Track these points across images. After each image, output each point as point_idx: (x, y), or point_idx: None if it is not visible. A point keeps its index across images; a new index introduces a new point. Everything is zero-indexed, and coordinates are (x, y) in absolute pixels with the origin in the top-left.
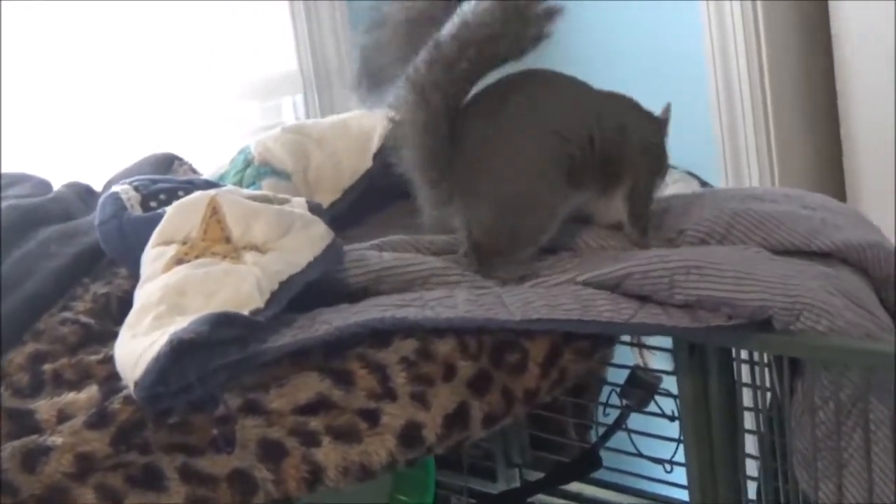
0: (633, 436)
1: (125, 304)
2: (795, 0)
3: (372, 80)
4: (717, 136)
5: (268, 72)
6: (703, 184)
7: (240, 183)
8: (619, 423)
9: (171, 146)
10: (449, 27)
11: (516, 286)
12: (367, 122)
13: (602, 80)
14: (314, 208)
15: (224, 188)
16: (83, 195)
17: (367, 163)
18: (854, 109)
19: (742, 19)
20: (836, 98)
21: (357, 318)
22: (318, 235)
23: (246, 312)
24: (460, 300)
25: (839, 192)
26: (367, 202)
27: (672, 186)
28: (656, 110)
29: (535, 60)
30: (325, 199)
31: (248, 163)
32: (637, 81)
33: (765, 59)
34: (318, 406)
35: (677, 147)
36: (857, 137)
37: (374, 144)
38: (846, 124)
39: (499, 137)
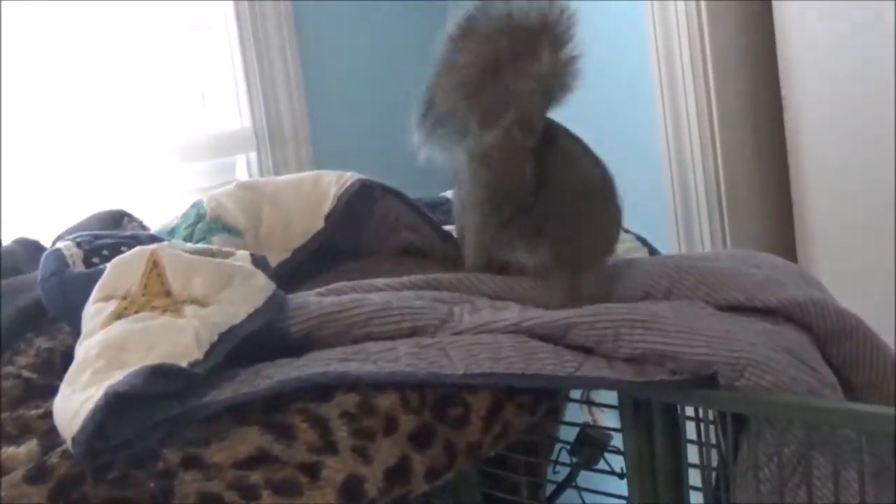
0: (584, 493)
1: (68, 359)
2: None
3: (437, 121)
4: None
5: (221, 129)
6: (652, 251)
7: (190, 237)
8: (569, 481)
9: (121, 203)
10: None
11: (464, 335)
12: (322, 182)
13: None
14: (257, 261)
15: (164, 243)
16: (32, 251)
17: (319, 223)
18: (802, 127)
19: (687, 26)
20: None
21: (299, 372)
22: (258, 287)
23: (185, 364)
24: (402, 353)
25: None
26: (317, 263)
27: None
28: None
29: None
30: (275, 258)
31: (200, 217)
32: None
33: (710, 64)
34: (258, 460)
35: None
36: (804, 154)
37: (328, 205)
38: (793, 138)
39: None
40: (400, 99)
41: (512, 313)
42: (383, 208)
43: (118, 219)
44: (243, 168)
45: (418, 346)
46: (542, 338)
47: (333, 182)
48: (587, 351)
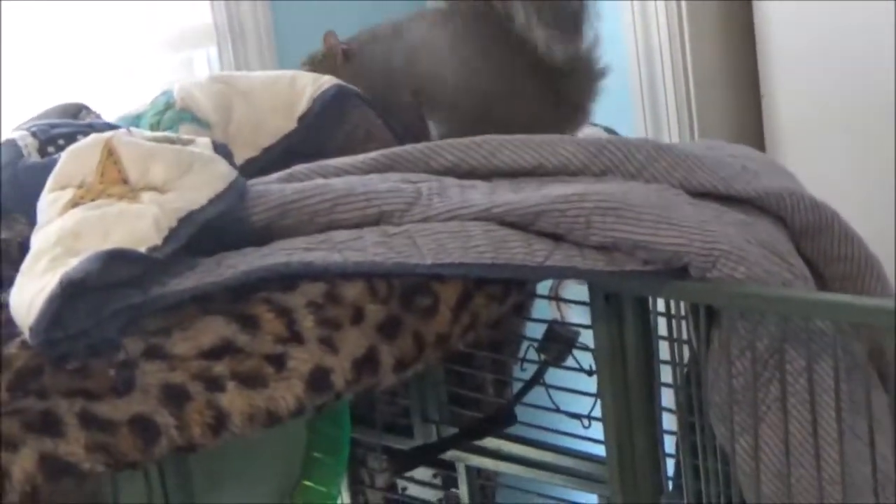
0: (551, 391)
1: (25, 249)
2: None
3: None
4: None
5: (181, 23)
6: None
7: (157, 125)
8: (536, 379)
9: (81, 97)
10: None
11: (432, 222)
12: (298, 83)
13: None
14: (219, 148)
15: (121, 130)
16: None
17: (292, 124)
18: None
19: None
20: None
21: (263, 261)
22: (219, 174)
23: (143, 250)
24: (369, 242)
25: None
26: (283, 166)
27: None
28: None
29: None
30: (243, 155)
31: (168, 106)
32: None
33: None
34: (222, 351)
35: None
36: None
37: (302, 107)
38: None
39: None
40: None
41: (481, 196)
42: (356, 117)
43: (76, 111)
44: (203, 64)
45: (385, 235)
46: (512, 224)
47: (309, 84)
48: (557, 238)
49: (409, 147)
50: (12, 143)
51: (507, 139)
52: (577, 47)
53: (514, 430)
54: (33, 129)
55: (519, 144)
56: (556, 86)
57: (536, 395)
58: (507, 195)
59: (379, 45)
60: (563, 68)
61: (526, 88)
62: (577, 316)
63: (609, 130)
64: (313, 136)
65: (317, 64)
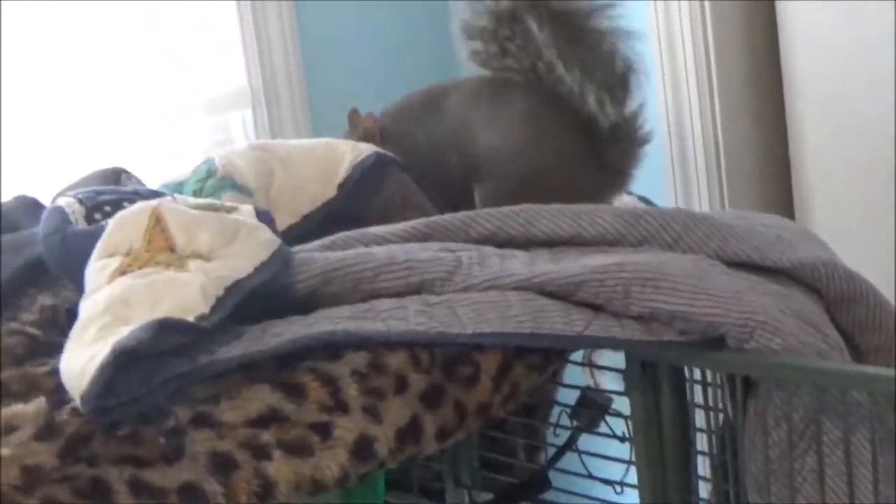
0: (584, 457)
1: (72, 316)
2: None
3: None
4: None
5: (217, 87)
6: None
7: (199, 192)
8: (569, 444)
9: (118, 161)
10: None
11: (472, 292)
12: (337, 150)
13: None
14: (262, 216)
15: (167, 198)
16: (31, 208)
17: (332, 191)
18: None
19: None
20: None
21: (308, 330)
22: (263, 241)
23: (191, 318)
24: (412, 311)
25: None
26: (323, 233)
27: None
28: None
29: None
30: (284, 221)
31: (210, 173)
32: None
33: (713, 60)
34: (269, 419)
35: None
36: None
37: (342, 174)
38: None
39: None
40: (399, 60)
41: (520, 266)
42: (394, 184)
43: (116, 176)
44: (239, 127)
45: (427, 304)
46: (551, 294)
47: (349, 151)
48: (596, 308)
49: (447, 216)
50: (59, 210)
51: (544, 208)
52: (623, 112)
53: (548, 495)
54: (79, 195)
55: (556, 214)
56: (600, 150)
57: (569, 460)
58: (547, 265)
59: (417, 113)
60: (609, 133)
61: (571, 153)
62: (610, 382)
63: (644, 200)
64: (352, 203)
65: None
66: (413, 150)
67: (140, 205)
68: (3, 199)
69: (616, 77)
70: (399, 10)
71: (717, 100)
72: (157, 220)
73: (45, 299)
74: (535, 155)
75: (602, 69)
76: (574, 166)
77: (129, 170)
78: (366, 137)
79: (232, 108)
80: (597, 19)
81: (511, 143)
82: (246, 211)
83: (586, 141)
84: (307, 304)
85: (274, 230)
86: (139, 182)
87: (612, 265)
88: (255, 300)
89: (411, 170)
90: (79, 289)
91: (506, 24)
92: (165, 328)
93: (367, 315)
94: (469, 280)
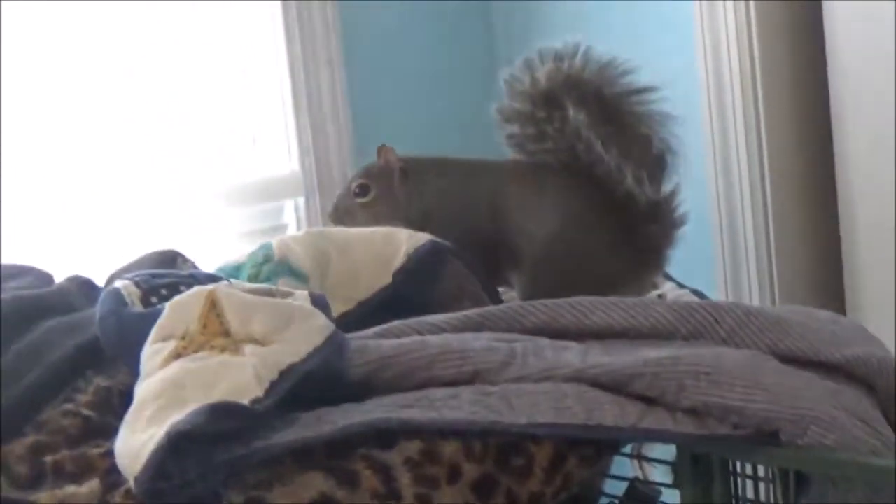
0: None
1: (127, 398)
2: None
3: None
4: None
5: (270, 173)
6: None
7: (256, 277)
8: None
9: (170, 245)
10: None
11: (526, 382)
12: (394, 238)
13: None
14: (317, 301)
15: (222, 282)
16: (85, 289)
17: (387, 278)
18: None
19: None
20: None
21: (362, 417)
22: (318, 327)
23: (245, 402)
24: (465, 400)
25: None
26: (380, 319)
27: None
28: None
29: None
30: (339, 308)
31: (267, 258)
32: None
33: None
34: None
35: None
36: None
37: (398, 262)
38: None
39: None
40: (452, 148)
41: (574, 357)
42: (450, 272)
43: (172, 259)
44: (291, 213)
45: (481, 394)
46: (605, 386)
47: (405, 239)
48: (649, 401)
49: (502, 306)
50: (116, 293)
51: (598, 300)
52: (661, 191)
53: None
54: (136, 278)
55: (610, 306)
56: (636, 231)
57: None
58: (600, 357)
59: (449, 167)
60: (646, 212)
61: (606, 236)
62: (659, 474)
63: (697, 293)
64: (408, 291)
65: (372, 176)
66: (440, 200)
67: (196, 289)
68: (58, 280)
69: (653, 157)
70: (459, 105)
71: (764, 135)
72: (212, 305)
73: (100, 381)
74: (571, 241)
75: (639, 149)
76: (611, 245)
77: (184, 253)
78: (382, 171)
79: (285, 195)
80: (634, 103)
81: (546, 229)
82: (301, 296)
83: (621, 223)
84: (360, 391)
85: (329, 315)
86: (194, 266)
87: (665, 358)
88: (308, 385)
89: (466, 257)
90: (133, 371)
91: (543, 106)
92: (220, 412)
93: (420, 403)
94: (523, 370)
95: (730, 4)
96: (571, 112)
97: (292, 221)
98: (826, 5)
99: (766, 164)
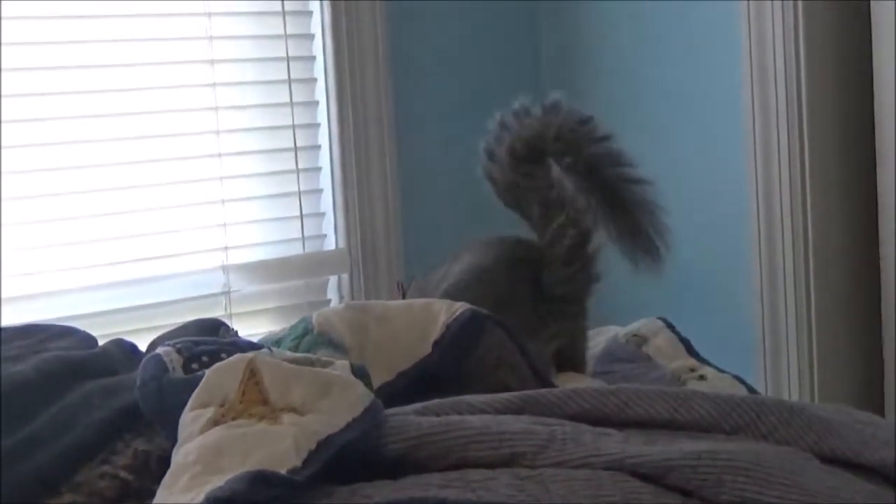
0: None
1: (164, 462)
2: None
3: None
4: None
5: (316, 249)
6: (751, 390)
7: (296, 349)
8: None
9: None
10: None
11: (564, 468)
12: (432, 308)
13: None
14: (357, 371)
15: (263, 351)
16: (128, 353)
17: (426, 349)
18: None
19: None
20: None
21: (398, 495)
22: (357, 397)
23: (283, 471)
24: (503, 483)
25: None
26: (416, 392)
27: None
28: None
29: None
30: (378, 379)
31: (307, 331)
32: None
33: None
34: None
35: None
36: None
37: (437, 332)
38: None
39: None
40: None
41: (614, 444)
42: (489, 342)
43: (215, 328)
44: (334, 288)
45: (518, 478)
46: (643, 476)
47: (444, 310)
48: (686, 494)
49: (543, 391)
50: (157, 359)
51: (641, 390)
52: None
53: None
54: (178, 345)
55: (653, 397)
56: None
57: None
58: (640, 446)
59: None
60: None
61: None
62: None
63: (738, 379)
64: (447, 361)
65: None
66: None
67: (236, 357)
68: (102, 343)
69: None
70: None
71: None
72: (251, 373)
73: (138, 444)
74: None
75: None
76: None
77: (227, 323)
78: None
79: (331, 271)
80: (626, 185)
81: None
82: (341, 366)
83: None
84: (395, 468)
85: (369, 385)
86: (236, 335)
87: (705, 452)
88: (343, 458)
89: (507, 326)
90: (170, 436)
91: (523, 163)
92: (260, 480)
93: (457, 484)
94: (561, 456)
95: (777, 4)
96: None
97: (335, 297)
98: (874, 5)
99: (807, 164)
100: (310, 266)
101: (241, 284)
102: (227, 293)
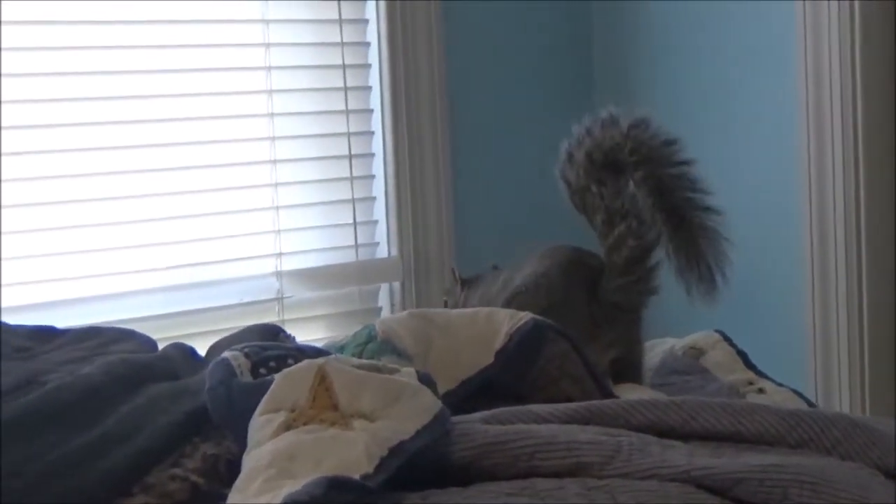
0: None
1: (233, 466)
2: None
3: None
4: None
5: (369, 257)
6: (809, 404)
7: (359, 356)
8: None
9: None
10: None
11: (631, 479)
12: (496, 317)
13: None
14: (423, 378)
15: (332, 357)
16: (188, 356)
17: (489, 358)
18: None
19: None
20: None
21: (469, 502)
22: (426, 404)
23: (356, 477)
24: (571, 493)
25: None
26: (482, 398)
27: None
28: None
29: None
30: (441, 387)
31: (370, 338)
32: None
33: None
34: None
35: None
36: None
37: (500, 341)
38: None
39: None
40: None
41: (680, 456)
42: (552, 352)
43: (275, 333)
44: (386, 296)
45: (586, 488)
46: (709, 489)
47: (507, 319)
48: None
49: (608, 401)
50: (226, 363)
51: (706, 403)
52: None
53: None
54: (245, 349)
55: (718, 409)
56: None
57: None
58: (706, 459)
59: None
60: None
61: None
62: None
63: (799, 394)
64: (509, 370)
65: (449, 293)
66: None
67: (306, 362)
68: (161, 347)
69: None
70: (548, 193)
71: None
72: (322, 379)
73: (207, 448)
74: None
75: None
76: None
77: (284, 329)
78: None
79: (382, 279)
80: (694, 211)
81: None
82: (407, 373)
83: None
84: (460, 475)
85: (435, 393)
86: (293, 340)
87: (770, 465)
88: (412, 465)
89: (570, 336)
90: (238, 440)
91: (599, 170)
92: (336, 486)
93: (526, 492)
94: (628, 467)
95: (834, 4)
96: (628, 186)
97: (386, 305)
98: None
99: (861, 165)
100: (362, 273)
101: (293, 290)
102: (279, 299)
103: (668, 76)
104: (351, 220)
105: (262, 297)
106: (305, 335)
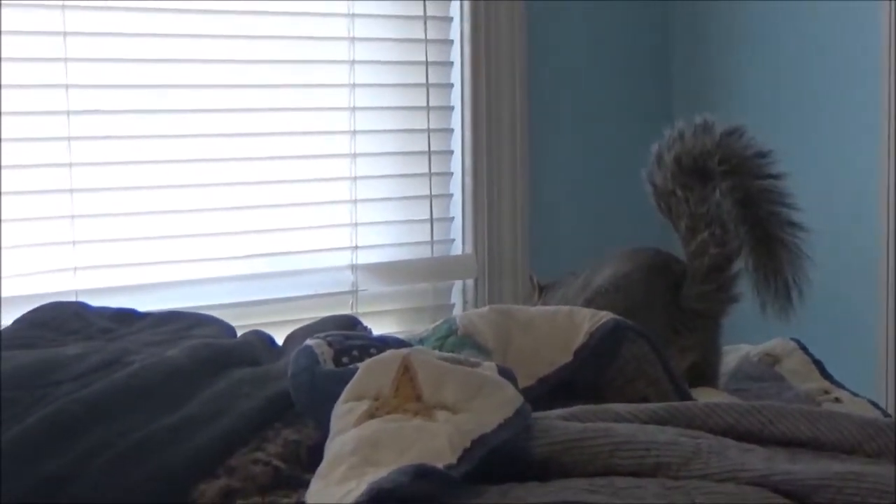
0: None
1: (314, 452)
2: None
3: None
4: None
5: (444, 254)
6: (885, 414)
7: (439, 350)
8: None
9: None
10: None
11: (709, 481)
12: (576, 316)
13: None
14: (504, 372)
15: (416, 347)
16: (266, 344)
17: (568, 357)
18: None
19: None
20: None
21: (552, 498)
22: (507, 399)
23: (440, 467)
24: (650, 493)
25: None
26: (559, 396)
27: None
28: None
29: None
30: (520, 384)
31: (451, 332)
32: None
33: None
34: None
35: None
36: None
37: (580, 340)
38: None
39: None
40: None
41: (758, 461)
42: (630, 352)
43: (353, 325)
44: (459, 293)
45: (665, 488)
46: (787, 494)
47: (588, 318)
48: None
49: (688, 403)
50: (309, 351)
51: (784, 408)
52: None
53: None
54: (328, 338)
55: (796, 415)
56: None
57: None
58: (785, 464)
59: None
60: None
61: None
62: None
63: (875, 404)
64: (588, 369)
65: (525, 298)
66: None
67: (391, 352)
68: (240, 334)
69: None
70: (624, 196)
71: None
72: (406, 369)
73: (288, 434)
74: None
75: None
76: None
77: (360, 320)
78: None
79: (456, 276)
80: (778, 226)
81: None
82: (489, 366)
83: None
84: (539, 471)
85: (516, 387)
86: (369, 331)
87: (850, 473)
88: (492, 455)
89: (650, 337)
90: (321, 426)
91: (687, 176)
92: (421, 474)
93: (605, 490)
94: (706, 469)
95: None
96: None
97: (459, 302)
98: None
99: None
100: (437, 270)
101: (368, 284)
102: (354, 292)
103: (746, 75)
104: (427, 216)
105: (337, 290)
106: (377, 330)
